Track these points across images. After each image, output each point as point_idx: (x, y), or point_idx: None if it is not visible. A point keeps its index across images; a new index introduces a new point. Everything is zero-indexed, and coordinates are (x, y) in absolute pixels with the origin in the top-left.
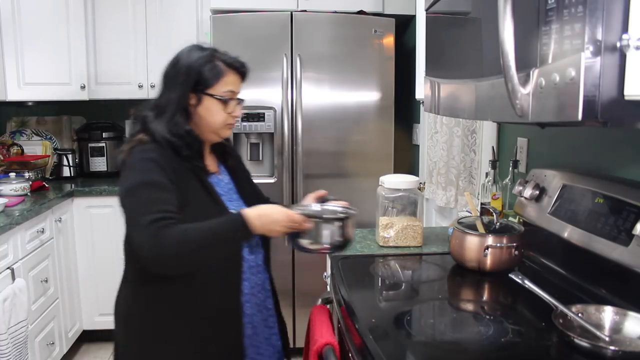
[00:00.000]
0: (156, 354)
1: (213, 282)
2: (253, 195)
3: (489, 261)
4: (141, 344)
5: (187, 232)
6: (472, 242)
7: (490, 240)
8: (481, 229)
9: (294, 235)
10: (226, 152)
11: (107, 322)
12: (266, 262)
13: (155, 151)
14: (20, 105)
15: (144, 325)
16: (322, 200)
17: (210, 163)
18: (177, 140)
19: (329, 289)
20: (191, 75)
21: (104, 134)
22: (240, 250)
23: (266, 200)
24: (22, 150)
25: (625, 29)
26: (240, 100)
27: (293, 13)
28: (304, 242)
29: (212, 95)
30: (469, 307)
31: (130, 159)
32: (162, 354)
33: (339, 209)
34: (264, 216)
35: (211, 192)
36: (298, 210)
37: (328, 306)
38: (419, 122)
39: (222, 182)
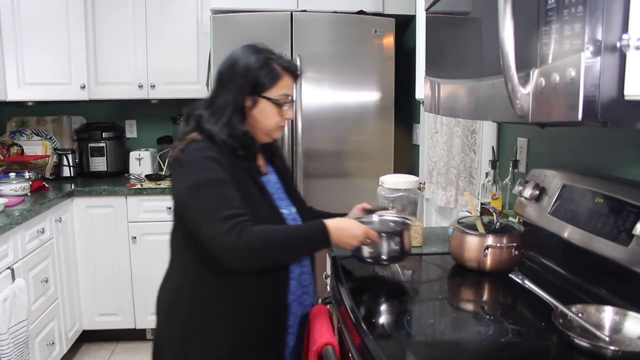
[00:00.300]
0: (197, 346)
1: (264, 280)
2: (297, 195)
3: (489, 261)
4: (183, 334)
5: (274, 232)
6: (472, 242)
7: (490, 240)
8: (481, 229)
9: (354, 250)
10: (273, 152)
11: (107, 322)
12: (312, 262)
13: (213, 149)
14: (20, 105)
15: (189, 317)
16: (367, 211)
17: (260, 163)
18: (233, 141)
19: (329, 289)
20: (249, 78)
21: (104, 134)
22: None
23: (304, 204)
24: (22, 150)
25: (625, 29)
26: (293, 102)
27: (293, 13)
28: (365, 253)
29: (268, 99)
30: (469, 307)
31: (186, 157)
32: (202, 346)
33: (398, 220)
34: (343, 229)
35: (264, 192)
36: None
37: (328, 306)
38: (419, 122)
39: (270, 181)
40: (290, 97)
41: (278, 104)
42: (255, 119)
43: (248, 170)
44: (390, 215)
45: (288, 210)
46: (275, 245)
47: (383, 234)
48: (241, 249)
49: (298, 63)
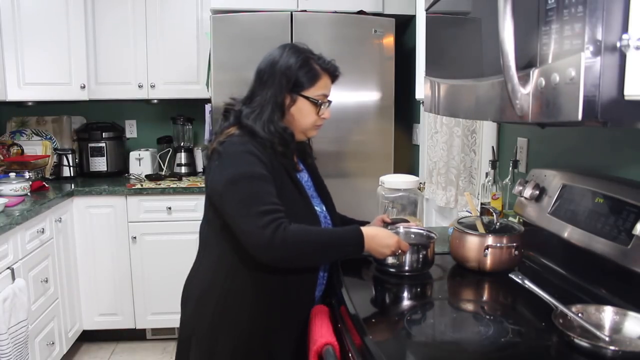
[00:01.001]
0: (226, 336)
1: (294, 277)
2: (327, 195)
3: (489, 261)
4: (212, 323)
5: (309, 232)
6: (472, 242)
7: (490, 240)
8: (481, 229)
9: (377, 258)
10: (306, 151)
11: (107, 322)
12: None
13: (252, 144)
14: (20, 105)
15: (221, 307)
16: (388, 223)
17: (295, 161)
18: (273, 137)
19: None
20: (289, 77)
21: (104, 134)
22: None
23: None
24: (22, 150)
25: (625, 29)
26: (330, 102)
27: (293, 13)
28: (388, 264)
29: (307, 98)
30: (469, 307)
31: (226, 150)
32: (231, 336)
33: (422, 233)
34: (377, 237)
35: (300, 189)
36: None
37: (328, 306)
38: (419, 122)
39: (303, 179)
40: (327, 97)
41: (316, 103)
42: (293, 117)
43: (285, 166)
44: (414, 228)
45: (320, 208)
46: (310, 245)
47: (413, 246)
48: (276, 246)
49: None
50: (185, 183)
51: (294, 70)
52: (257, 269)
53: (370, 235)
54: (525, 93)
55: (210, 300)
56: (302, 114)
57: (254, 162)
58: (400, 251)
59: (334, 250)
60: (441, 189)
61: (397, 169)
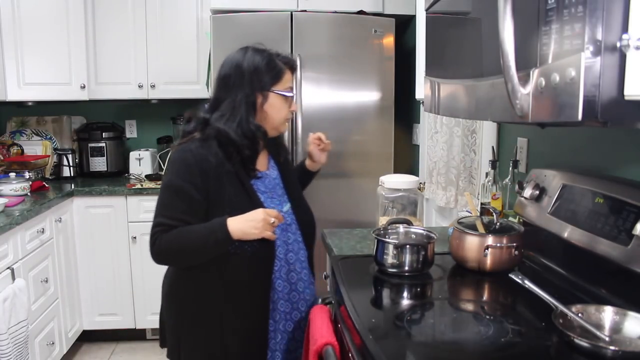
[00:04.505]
0: (193, 322)
1: (250, 271)
2: (296, 190)
3: (489, 261)
4: (177, 320)
5: (179, 236)
6: (472, 242)
7: (490, 240)
8: (481, 229)
9: (377, 258)
10: (280, 147)
11: (107, 322)
12: (310, 261)
13: (196, 151)
14: (20, 105)
15: (184, 303)
16: (392, 222)
17: (262, 159)
18: (243, 140)
19: (329, 289)
20: (258, 76)
21: (104, 134)
22: (273, 251)
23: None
24: (22, 150)
25: (625, 29)
26: (294, 95)
27: (293, 13)
28: (387, 265)
29: (277, 93)
30: (469, 307)
31: (171, 156)
32: (198, 321)
33: (422, 233)
34: (241, 217)
35: (250, 193)
36: (376, 234)
37: (328, 306)
38: (419, 122)
39: (269, 177)
40: (292, 89)
41: (286, 97)
42: (266, 114)
43: (238, 173)
44: (415, 228)
45: (282, 208)
46: (180, 246)
47: (409, 246)
48: (154, 254)
49: (297, 60)
50: None
51: (261, 69)
52: (213, 266)
53: (234, 218)
54: (525, 93)
55: (176, 297)
56: (275, 109)
57: (182, 172)
58: (274, 220)
59: (202, 242)
60: (441, 189)
61: (397, 169)
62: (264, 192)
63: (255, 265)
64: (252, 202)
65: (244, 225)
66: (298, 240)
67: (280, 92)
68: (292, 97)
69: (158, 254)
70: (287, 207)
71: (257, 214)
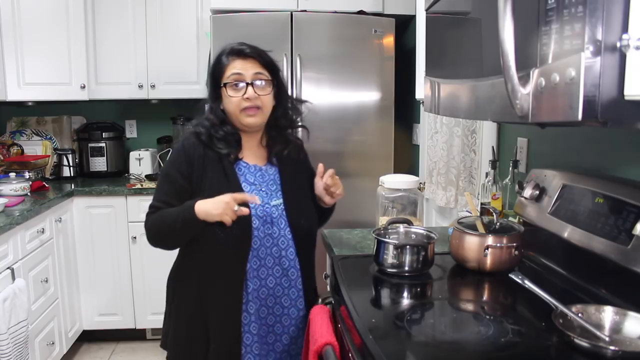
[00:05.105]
0: (175, 308)
1: (223, 253)
2: (297, 188)
3: (489, 261)
4: (168, 296)
5: (159, 216)
6: (472, 242)
7: (490, 240)
8: (481, 229)
9: (377, 258)
10: (288, 146)
11: (107, 322)
12: (304, 261)
13: (187, 141)
14: (20, 105)
15: (172, 282)
16: (392, 221)
17: (259, 154)
18: (212, 128)
19: (329, 289)
20: (213, 75)
21: (104, 134)
22: (249, 240)
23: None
24: (22, 150)
25: (625, 29)
26: (252, 83)
27: (293, 13)
28: (387, 265)
29: (223, 85)
30: (469, 307)
31: (173, 148)
32: (177, 308)
33: (422, 233)
34: (209, 200)
35: (230, 179)
36: (376, 233)
37: (328, 306)
38: (419, 122)
39: (264, 171)
40: (244, 77)
41: (231, 85)
42: (226, 109)
43: (221, 159)
44: (415, 228)
45: (268, 201)
46: (156, 225)
47: (403, 246)
48: (146, 234)
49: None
50: None
51: (212, 69)
52: (194, 248)
53: (204, 200)
54: (525, 93)
55: (170, 276)
56: (227, 101)
57: (172, 160)
58: (237, 208)
59: (174, 222)
60: (441, 189)
61: (397, 169)
62: (253, 184)
63: (229, 251)
64: (230, 188)
65: (208, 205)
66: (287, 237)
67: (224, 83)
68: (238, 84)
69: (147, 234)
70: (276, 202)
71: (222, 197)
